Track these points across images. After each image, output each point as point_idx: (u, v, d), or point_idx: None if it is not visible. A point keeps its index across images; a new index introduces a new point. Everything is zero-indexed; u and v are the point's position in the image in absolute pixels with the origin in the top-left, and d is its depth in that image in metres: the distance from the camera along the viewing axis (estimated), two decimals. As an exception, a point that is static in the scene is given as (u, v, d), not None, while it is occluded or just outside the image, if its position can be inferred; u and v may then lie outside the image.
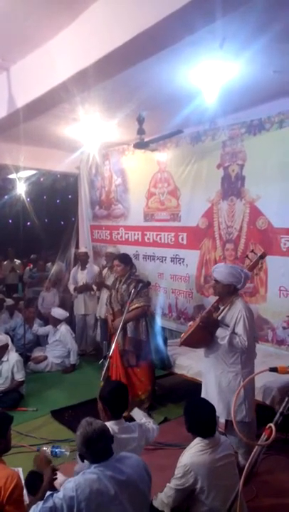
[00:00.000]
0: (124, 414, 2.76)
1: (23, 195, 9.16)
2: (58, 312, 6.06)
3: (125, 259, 4.47)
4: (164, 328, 5.40)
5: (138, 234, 6.06)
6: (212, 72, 3.44)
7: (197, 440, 2.50)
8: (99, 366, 4.12)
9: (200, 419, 2.52)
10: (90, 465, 1.95)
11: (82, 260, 6.43)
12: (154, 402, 4.44)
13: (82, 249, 6.70)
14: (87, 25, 2.85)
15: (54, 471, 2.30)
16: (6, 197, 9.86)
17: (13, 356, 4.80)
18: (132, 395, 4.18)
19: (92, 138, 5.58)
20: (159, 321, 5.03)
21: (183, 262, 5.34)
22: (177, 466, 2.48)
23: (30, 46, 3.32)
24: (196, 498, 2.39)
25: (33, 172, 8.25)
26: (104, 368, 3.24)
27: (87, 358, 6.15)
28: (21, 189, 9.06)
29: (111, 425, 2.48)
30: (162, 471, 2.72)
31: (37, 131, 5.38)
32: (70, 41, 3.03)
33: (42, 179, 8.69)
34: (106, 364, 3.27)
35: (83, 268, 6.38)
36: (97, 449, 1.95)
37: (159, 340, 4.40)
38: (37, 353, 5.96)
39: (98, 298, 6.12)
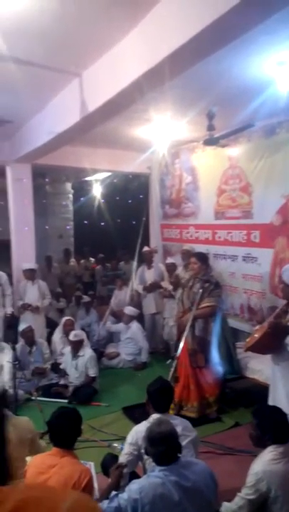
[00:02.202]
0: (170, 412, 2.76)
1: (98, 197, 9.55)
2: (130, 309, 6.20)
3: (202, 258, 4.45)
4: (235, 330, 5.24)
5: (208, 232, 5.94)
6: (286, 61, 3.25)
7: (270, 448, 2.37)
8: (169, 365, 4.13)
9: (274, 423, 2.39)
10: (155, 467, 1.95)
11: (147, 259, 6.47)
12: (223, 406, 4.33)
13: (146, 247, 6.75)
14: (155, 23, 2.83)
15: (121, 468, 2.33)
16: (82, 199, 10.34)
17: (88, 352, 5.01)
18: (199, 396, 4.13)
19: (162, 137, 5.59)
20: (229, 323, 4.88)
21: (256, 261, 5.12)
22: (249, 473, 2.37)
23: (100, 50, 3.40)
24: (268, 509, 2.28)
25: (107, 174, 8.53)
26: (172, 369, 3.22)
27: (158, 356, 6.19)
28: (96, 191, 9.45)
29: (153, 415, 2.54)
30: (230, 478, 2.64)
31: (111, 134, 5.54)
32: (138, 41, 3.04)
33: (115, 180, 8.94)
34: (174, 364, 3.25)
35: (149, 267, 6.42)
36: (158, 451, 1.94)
37: (229, 343, 4.27)
38: (110, 350, 6.14)
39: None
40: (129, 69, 3.16)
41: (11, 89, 4.01)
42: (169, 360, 3.56)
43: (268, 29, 2.58)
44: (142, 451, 2.31)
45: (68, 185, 10.55)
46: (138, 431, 2.48)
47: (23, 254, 6.29)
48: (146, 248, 6.71)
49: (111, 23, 2.96)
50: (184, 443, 2.24)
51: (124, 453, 2.46)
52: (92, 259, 9.99)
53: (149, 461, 2.27)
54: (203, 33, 2.43)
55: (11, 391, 3.99)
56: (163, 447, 1.94)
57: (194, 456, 2.42)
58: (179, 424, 2.48)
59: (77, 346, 4.98)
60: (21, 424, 2.54)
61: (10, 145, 5.94)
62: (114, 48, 3.33)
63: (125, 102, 3.70)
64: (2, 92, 4.15)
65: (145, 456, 2.25)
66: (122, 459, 2.45)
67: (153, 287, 6.25)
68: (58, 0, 2.61)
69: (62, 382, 5.02)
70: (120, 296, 7.31)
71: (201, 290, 3.90)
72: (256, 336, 3.09)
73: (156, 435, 1.95)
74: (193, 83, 3.73)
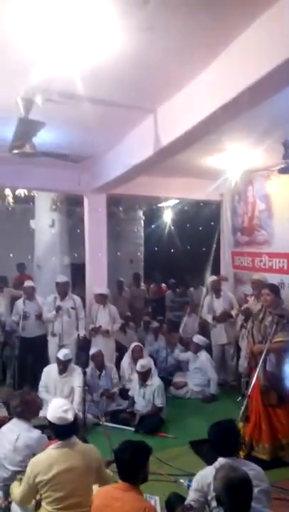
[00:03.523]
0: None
1: (168, 223, 9.70)
2: (200, 338, 6.09)
3: (276, 290, 4.28)
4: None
5: (283, 261, 5.70)
6: None
7: None
8: (240, 402, 3.95)
9: None
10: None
11: (215, 288, 6.28)
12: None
13: (213, 276, 6.59)
14: (232, 58, 2.86)
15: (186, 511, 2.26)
16: (153, 225, 10.58)
17: (156, 380, 4.99)
18: (272, 437, 3.88)
19: (235, 165, 5.56)
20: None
21: None
22: None
23: (175, 88, 3.52)
24: None
25: (178, 201, 8.66)
26: (243, 408, 3.07)
27: (228, 390, 5.95)
28: (167, 217, 9.62)
29: (220, 459, 2.41)
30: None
31: (183, 163, 5.64)
32: (214, 76, 3.09)
33: (186, 207, 9.02)
34: (244, 403, 3.10)
35: (218, 296, 6.28)
36: (238, 500, 1.85)
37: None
38: (178, 379, 6.04)
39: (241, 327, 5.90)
40: (205, 104, 3.21)
41: (91, 128, 4.31)
42: (240, 398, 3.41)
43: None
44: (209, 497, 2.21)
45: (140, 212, 10.85)
46: (203, 476, 2.39)
47: (96, 279, 6.54)
48: (213, 277, 6.55)
49: (187, 61, 3.07)
50: (254, 493, 2.11)
51: (190, 499, 2.37)
52: (163, 285, 10.02)
53: (216, 508, 2.17)
54: (284, 65, 2.42)
55: (80, 414, 4.09)
56: (245, 495, 1.86)
57: (266, 508, 2.26)
58: (249, 471, 2.36)
59: (145, 376, 4.98)
60: (89, 452, 2.58)
61: (88, 177, 6.30)
62: (189, 84, 3.43)
63: (199, 135, 3.77)
64: (83, 131, 4.47)
65: (213, 504, 2.15)
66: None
67: (223, 317, 6.09)
68: (135, 46, 2.77)
69: (129, 409, 5.04)
70: (189, 323, 7.21)
71: (275, 325, 3.73)
72: None
73: (238, 482, 1.87)
74: (268, 112, 3.69)
